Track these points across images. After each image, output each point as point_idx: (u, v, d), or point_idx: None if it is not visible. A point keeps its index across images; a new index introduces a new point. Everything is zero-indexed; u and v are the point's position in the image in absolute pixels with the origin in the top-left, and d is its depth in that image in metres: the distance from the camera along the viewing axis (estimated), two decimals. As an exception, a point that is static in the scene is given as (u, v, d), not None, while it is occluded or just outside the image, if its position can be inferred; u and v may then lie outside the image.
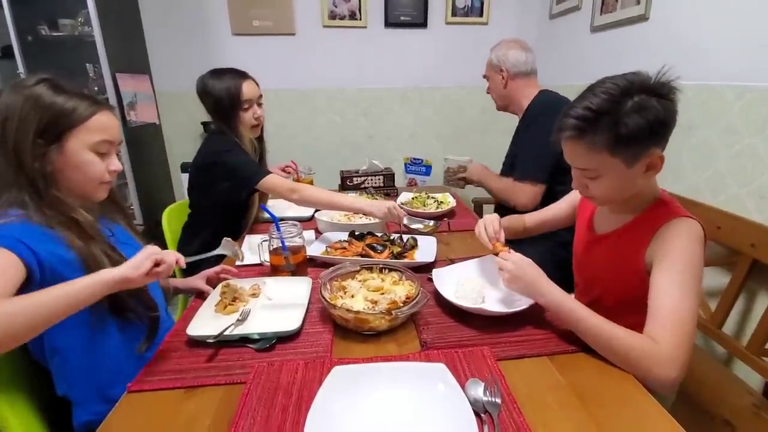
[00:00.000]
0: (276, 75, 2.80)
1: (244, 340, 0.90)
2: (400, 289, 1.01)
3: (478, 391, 0.70)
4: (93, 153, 0.89)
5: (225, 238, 1.14)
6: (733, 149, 1.44)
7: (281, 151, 2.71)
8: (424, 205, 1.79)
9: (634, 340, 0.77)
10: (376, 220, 1.49)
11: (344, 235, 1.41)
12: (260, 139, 1.70)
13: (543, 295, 0.88)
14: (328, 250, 1.33)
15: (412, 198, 1.86)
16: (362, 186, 2.08)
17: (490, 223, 1.12)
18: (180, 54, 2.72)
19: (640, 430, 0.67)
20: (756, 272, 1.31)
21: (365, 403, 0.70)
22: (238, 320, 0.95)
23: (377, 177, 2.10)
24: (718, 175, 1.50)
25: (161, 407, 0.73)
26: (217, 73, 1.54)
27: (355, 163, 2.45)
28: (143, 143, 2.55)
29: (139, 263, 0.78)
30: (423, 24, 2.85)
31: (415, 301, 0.93)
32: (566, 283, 0.94)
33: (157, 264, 0.81)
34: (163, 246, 1.72)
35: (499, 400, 0.69)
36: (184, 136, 2.86)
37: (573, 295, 0.92)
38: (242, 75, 1.56)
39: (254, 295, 1.08)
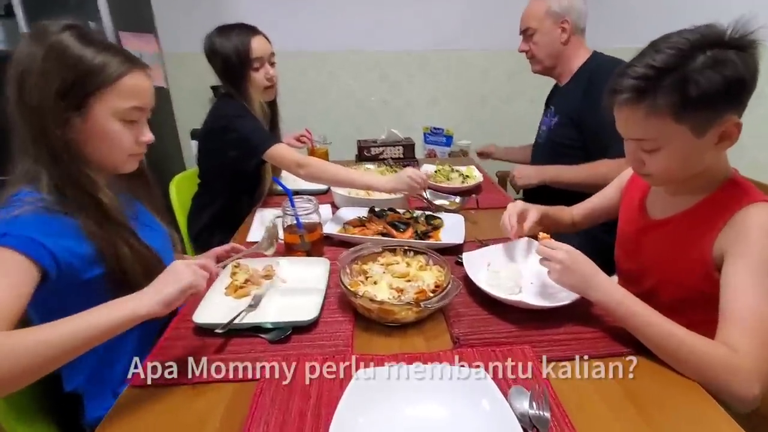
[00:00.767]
0: (289, 35, 2.61)
1: (256, 329, 0.81)
2: (428, 276, 0.91)
3: (523, 403, 0.61)
4: (120, 122, 0.78)
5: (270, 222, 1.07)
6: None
7: (292, 117, 2.56)
8: (448, 179, 1.66)
9: (710, 348, 0.66)
10: (398, 195, 1.38)
11: (363, 211, 1.30)
12: (273, 103, 1.57)
13: (599, 293, 0.76)
14: (346, 228, 1.23)
15: (435, 171, 1.72)
16: (380, 157, 1.95)
17: (519, 212, 1.01)
18: (188, 12, 2.56)
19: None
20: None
21: (394, 417, 0.61)
22: (249, 306, 0.87)
23: (396, 147, 1.97)
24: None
25: (166, 405, 0.66)
26: (225, 30, 1.42)
27: (371, 131, 2.31)
28: (150, 108, 2.44)
29: (171, 300, 0.66)
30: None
31: (445, 292, 0.83)
32: (606, 269, 0.82)
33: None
34: (173, 218, 1.66)
35: (548, 414, 0.60)
36: (194, 101, 2.68)
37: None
38: (252, 30, 1.43)
39: (267, 277, 0.99)
